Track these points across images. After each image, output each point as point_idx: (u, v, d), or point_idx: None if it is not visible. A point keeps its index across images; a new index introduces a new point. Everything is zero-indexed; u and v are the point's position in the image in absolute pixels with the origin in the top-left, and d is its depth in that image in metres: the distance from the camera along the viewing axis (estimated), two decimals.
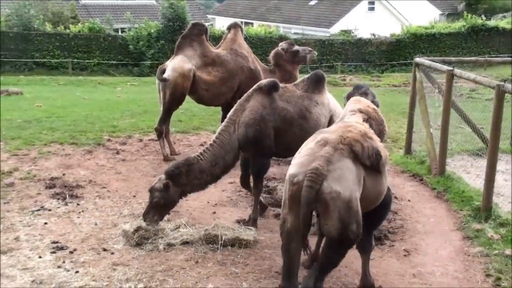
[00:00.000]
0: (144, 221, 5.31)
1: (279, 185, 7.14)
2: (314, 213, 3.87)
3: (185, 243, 5.24)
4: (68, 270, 4.69)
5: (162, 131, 8.13)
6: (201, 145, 8.54)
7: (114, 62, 25.58)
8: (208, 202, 6.46)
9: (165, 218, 5.64)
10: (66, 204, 6.22)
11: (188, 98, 8.31)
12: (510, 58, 14.24)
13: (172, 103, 8.05)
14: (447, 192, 7.01)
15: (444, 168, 7.57)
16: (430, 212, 6.56)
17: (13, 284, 4.44)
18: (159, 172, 6.07)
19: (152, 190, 5.33)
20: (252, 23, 36.27)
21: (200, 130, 10.09)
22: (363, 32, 30.57)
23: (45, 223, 5.66)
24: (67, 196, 6.41)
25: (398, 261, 5.24)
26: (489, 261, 5.16)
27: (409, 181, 7.76)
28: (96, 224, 5.71)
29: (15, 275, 4.58)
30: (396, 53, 29.30)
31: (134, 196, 6.55)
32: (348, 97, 5.01)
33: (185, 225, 5.57)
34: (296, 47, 8.64)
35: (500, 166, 6.52)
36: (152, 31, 25.78)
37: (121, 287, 4.42)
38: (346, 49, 28.80)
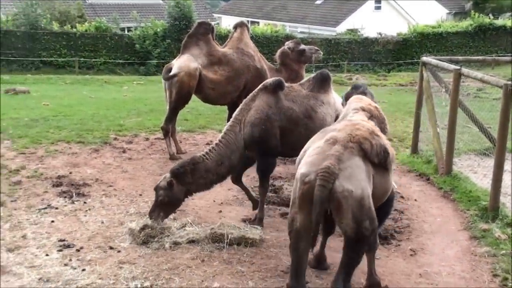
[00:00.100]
0: (150, 218, 5.34)
1: (285, 184, 7.14)
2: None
3: (191, 241, 5.25)
4: (75, 268, 4.71)
5: (168, 130, 8.15)
6: (207, 144, 8.55)
7: (120, 61, 25.65)
8: (214, 201, 6.47)
9: (171, 216, 5.66)
10: (72, 202, 6.24)
11: (194, 97, 8.32)
12: None
13: (178, 102, 8.06)
14: (454, 192, 6.98)
15: (451, 168, 7.54)
16: (437, 212, 6.53)
17: (20, 281, 4.46)
18: (165, 171, 6.08)
19: (157, 189, 5.36)
20: (258, 22, 36.26)
21: (206, 129, 10.10)
22: (370, 31, 30.49)
23: (52, 221, 5.69)
24: (74, 194, 6.44)
25: (405, 260, 5.23)
26: (496, 261, 5.14)
27: (416, 180, 7.74)
28: (102, 222, 5.73)
29: (22, 272, 4.60)
30: (402, 52, 29.20)
31: (140, 195, 6.56)
32: (347, 96, 5.01)
33: (191, 223, 5.58)
34: (303, 46, 8.63)
35: (508, 165, 6.47)
36: (158, 30, 25.82)
37: (127, 285, 4.44)
38: (352, 48, 28.74)
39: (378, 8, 35.77)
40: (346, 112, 4.55)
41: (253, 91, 5.97)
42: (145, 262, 4.85)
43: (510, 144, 6.91)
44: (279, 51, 8.73)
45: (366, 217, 3.74)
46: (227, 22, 36.29)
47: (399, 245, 5.56)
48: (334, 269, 4.89)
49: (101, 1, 33.97)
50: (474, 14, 31.19)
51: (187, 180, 5.38)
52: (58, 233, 5.40)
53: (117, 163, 7.80)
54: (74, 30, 25.73)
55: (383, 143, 4.09)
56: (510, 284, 4.74)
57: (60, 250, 5.04)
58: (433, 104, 8.21)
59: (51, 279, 4.51)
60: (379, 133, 4.22)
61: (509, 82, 6.02)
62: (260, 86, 5.98)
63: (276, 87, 5.87)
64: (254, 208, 6.09)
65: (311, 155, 3.93)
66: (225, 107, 8.84)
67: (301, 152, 4.41)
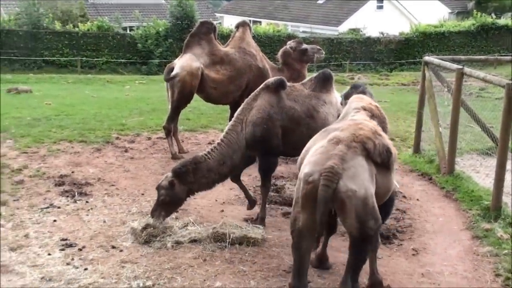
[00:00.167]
0: (152, 217, 5.35)
1: (287, 184, 7.14)
2: None
3: (193, 241, 5.26)
4: (77, 267, 4.72)
5: (170, 129, 8.15)
6: (209, 143, 8.55)
7: (122, 60, 25.66)
8: (216, 200, 6.47)
9: (173, 216, 5.66)
10: (75, 201, 6.25)
11: (196, 96, 8.32)
12: None
13: (180, 101, 8.06)
14: (456, 192, 6.97)
15: (453, 167, 7.54)
16: (439, 212, 6.53)
17: (22, 280, 4.47)
18: (167, 170, 6.09)
19: (159, 188, 5.38)
20: (260, 22, 36.24)
21: (208, 128, 10.10)
22: (372, 30, 30.44)
23: (54, 221, 5.70)
24: (76, 193, 6.45)
25: (407, 260, 5.22)
26: (498, 260, 5.14)
27: (418, 180, 7.73)
28: (104, 221, 5.74)
29: (24, 271, 4.61)
30: (405, 51, 29.16)
31: (143, 194, 6.57)
32: (346, 96, 5.01)
33: (193, 223, 5.58)
34: (305, 46, 8.62)
35: (510, 165, 6.46)
36: (160, 29, 25.83)
37: (129, 285, 4.44)
38: (354, 48, 28.71)
39: (380, 7, 35.73)
40: (347, 112, 4.55)
41: (255, 91, 5.97)
42: (147, 261, 4.85)
43: None
44: (281, 50, 8.72)
45: (370, 216, 3.75)
46: (229, 22, 36.29)
47: (401, 244, 5.56)
48: (336, 269, 4.91)
49: (103, 1, 34.00)
50: (477, 14, 31.12)
51: (189, 179, 5.39)
52: (60, 232, 5.41)
53: (119, 162, 7.80)
54: (76, 29, 25.74)
55: (385, 143, 4.10)
56: None
57: (62, 249, 5.05)
58: (436, 103, 8.20)
59: (53, 278, 4.52)
60: (382, 132, 4.22)
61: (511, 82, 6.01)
62: (262, 85, 5.98)
63: (278, 87, 5.87)
64: (248, 207, 6.09)
65: (315, 154, 3.93)
66: (227, 107, 8.84)
67: (303, 152, 4.41)
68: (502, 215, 5.96)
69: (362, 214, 3.72)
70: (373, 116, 4.45)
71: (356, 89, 5.10)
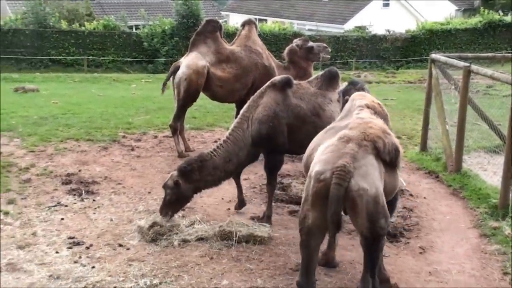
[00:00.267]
0: (160, 215, 5.38)
1: (294, 182, 7.13)
2: None
3: (200, 239, 5.26)
4: (85, 265, 4.74)
5: (176, 128, 8.16)
6: (215, 141, 8.54)
7: (128, 59, 25.71)
8: (223, 199, 6.48)
9: (180, 214, 5.68)
10: (82, 200, 6.28)
11: (202, 95, 8.32)
12: None
13: (186, 100, 8.07)
14: (464, 190, 6.95)
15: (460, 165, 7.50)
16: (446, 210, 6.50)
17: (30, 278, 4.50)
18: (173, 169, 6.09)
19: (165, 187, 5.41)
20: (266, 20, 36.20)
21: (214, 126, 10.11)
22: (378, 28, 30.31)
23: (62, 219, 5.72)
24: (83, 192, 6.47)
25: (414, 258, 5.21)
26: (506, 259, 5.11)
27: (425, 178, 7.70)
28: (111, 220, 5.76)
29: (32, 269, 4.64)
30: (411, 49, 29.02)
31: (149, 193, 6.59)
32: (344, 93, 4.99)
33: (199, 221, 5.59)
34: (311, 44, 8.61)
35: None
36: (166, 28, 25.85)
37: (136, 283, 4.45)
38: (360, 46, 28.60)
39: (387, 5, 35.60)
40: (350, 109, 4.52)
41: (261, 88, 5.97)
42: (154, 260, 4.87)
43: None
44: (287, 48, 8.71)
45: (381, 215, 3.75)
46: (235, 20, 36.27)
47: (408, 243, 5.54)
48: (342, 267, 4.90)
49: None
50: (483, 11, 30.90)
51: (194, 177, 5.40)
52: (68, 231, 5.44)
53: (126, 161, 7.82)
54: (83, 28, 25.81)
55: (394, 142, 4.11)
56: None
57: (70, 248, 5.07)
58: (442, 101, 8.16)
59: (61, 276, 4.54)
60: (389, 131, 4.21)
61: None
62: (268, 83, 5.97)
63: (285, 85, 5.86)
64: (236, 207, 6.09)
65: (325, 153, 3.92)
66: (233, 105, 8.84)
67: (308, 149, 4.40)
68: (510, 213, 5.94)
69: (373, 213, 3.72)
70: (375, 113, 4.44)
71: (354, 85, 5.09)
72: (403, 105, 13.75)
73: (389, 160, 4.00)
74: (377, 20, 31.88)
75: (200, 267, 4.76)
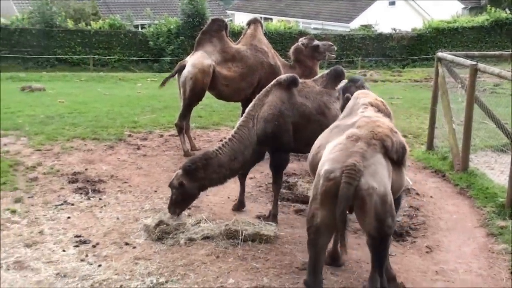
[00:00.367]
0: (169, 212, 5.43)
1: (300, 181, 7.12)
2: None
3: (206, 238, 5.27)
4: (91, 264, 4.76)
5: (182, 127, 8.17)
6: (221, 140, 8.55)
7: (134, 58, 25.76)
8: (229, 198, 6.48)
9: (186, 213, 5.69)
10: (88, 198, 6.30)
11: (208, 93, 8.33)
12: None
13: (192, 98, 8.07)
14: (470, 189, 6.91)
15: (467, 164, 7.47)
16: (453, 209, 6.47)
17: (37, 276, 4.52)
18: (179, 167, 6.11)
19: (170, 186, 5.45)
20: (271, 19, 36.17)
21: (220, 125, 10.11)
22: (384, 26, 30.21)
23: (68, 217, 5.75)
24: (90, 190, 6.49)
25: (420, 257, 5.19)
26: None
27: (431, 177, 7.67)
28: (118, 218, 5.77)
29: (39, 267, 4.66)
30: (417, 48, 28.90)
31: (155, 191, 6.60)
32: (344, 90, 4.97)
33: (205, 220, 5.60)
34: (316, 42, 8.60)
35: None
36: (172, 27, 25.87)
37: (143, 281, 4.47)
38: (366, 44, 28.51)
39: (393, 3, 35.46)
40: (354, 107, 4.51)
41: (267, 87, 5.97)
42: (160, 258, 4.88)
43: None
44: (293, 47, 8.70)
45: (388, 214, 3.75)
46: (240, 19, 36.23)
47: (414, 242, 5.52)
48: (348, 266, 4.89)
49: None
50: (490, 9, 30.72)
51: (199, 175, 5.41)
52: (75, 229, 5.46)
53: (132, 159, 7.84)
54: (89, 27, 25.88)
55: (401, 140, 4.11)
56: None
57: (77, 246, 5.09)
58: (449, 100, 8.13)
59: (68, 274, 4.56)
60: (396, 129, 4.21)
61: None
62: (273, 82, 5.97)
63: (290, 83, 5.85)
64: (234, 206, 6.10)
65: (334, 151, 3.91)
66: (239, 104, 8.84)
67: (313, 148, 4.39)
68: None
69: (381, 212, 3.71)
70: (379, 111, 4.44)
71: (354, 82, 5.08)
72: (409, 104, 13.70)
73: (396, 159, 4.00)
74: (383, 19, 31.78)
75: (206, 266, 4.77)
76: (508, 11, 31.42)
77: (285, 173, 6.69)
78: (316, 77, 6.49)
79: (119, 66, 25.36)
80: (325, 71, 6.38)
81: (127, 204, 6.19)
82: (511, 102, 9.21)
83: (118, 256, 4.92)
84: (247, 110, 5.88)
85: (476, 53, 9.83)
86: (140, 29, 28.10)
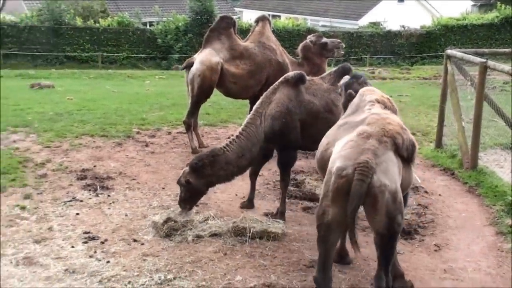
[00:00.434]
0: (180, 207, 5.49)
1: (307, 178, 7.11)
2: None
3: (214, 235, 5.28)
4: (100, 260, 4.78)
5: (190, 124, 8.18)
6: (228, 138, 8.56)
7: (142, 55, 25.85)
8: (236, 195, 6.48)
9: (194, 210, 5.70)
10: (97, 195, 6.33)
11: (216, 91, 8.33)
12: None
13: (200, 96, 8.08)
14: (480, 187, 6.87)
15: (476, 162, 7.42)
16: (462, 207, 6.44)
17: (46, 272, 4.55)
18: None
19: (178, 183, 5.49)
20: (279, 16, 36.08)
21: (228, 123, 10.12)
22: (393, 24, 30.07)
23: (77, 214, 5.78)
24: (98, 187, 6.52)
25: (429, 256, 5.17)
26: None
27: (440, 175, 7.63)
28: (126, 215, 5.80)
29: (48, 263, 4.69)
30: (426, 45, 28.76)
31: (163, 188, 6.62)
32: (347, 86, 4.95)
33: (213, 217, 5.61)
34: (325, 40, 8.56)
35: None
36: (180, 24, 25.92)
37: (151, 277, 4.48)
38: (375, 42, 28.43)
39: (401, 0, 35.26)
40: (360, 104, 4.49)
41: (274, 84, 5.96)
42: (168, 255, 4.89)
43: None
44: (301, 44, 8.67)
45: (398, 211, 3.75)
46: (248, 16, 36.22)
47: (423, 240, 5.50)
48: (356, 264, 4.88)
49: None
50: (500, 6, 30.49)
51: (206, 172, 5.43)
52: (83, 226, 5.49)
53: (140, 156, 7.87)
54: (97, 25, 26.02)
55: (411, 138, 4.11)
56: None
57: (85, 242, 5.12)
58: (458, 97, 8.07)
59: (76, 270, 4.58)
60: (405, 126, 4.20)
61: None
62: (281, 79, 5.96)
63: (297, 81, 5.84)
64: (243, 204, 6.10)
65: (345, 148, 3.90)
66: (247, 101, 8.83)
67: (322, 145, 4.37)
68: None
69: (391, 209, 3.71)
70: (386, 108, 4.42)
71: (357, 79, 5.06)
72: (418, 102, 13.64)
73: (406, 156, 4.00)
74: (391, 16, 31.59)
75: (213, 263, 4.78)
76: None
77: (293, 171, 6.68)
78: (324, 74, 6.48)
79: (128, 64, 25.47)
80: (333, 69, 6.36)
81: (135, 201, 6.22)
82: None
83: (127, 252, 4.94)
84: (254, 107, 5.88)
85: (485, 50, 9.76)
86: (148, 27, 28.20)
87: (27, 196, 6.14)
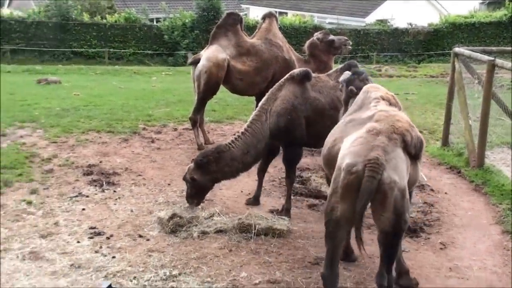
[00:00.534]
0: (187, 203, 5.56)
1: (313, 176, 7.11)
2: None
3: (219, 231, 5.29)
4: (105, 255, 4.80)
5: (196, 120, 8.19)
6: (234, 134, 8.57)
7: (149, 52, 25.87)
8: (242, 192, 6.49)
9: (199, 206, 5.71)
10: (103, 191, 6.35)
11: (222, 87, 8.33)
12: None
13: (206, 92, 8.09)
14: (486, 185, 6.84)
15: (483, 161, 7.39)
16: (468, 205, 6.41)
17: (52, 267, 4.57)
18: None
19: (184, 180, 5.54)
20: (286, 13, 36.01)
21: (234, 119, 10.12)
22: (400, 21, 29.90)
23: (83, 209, 5.80)
24: (104, 183, 6.55)
25: (434, 254, 5.16)
26: None
27: (446, 173, 7.61)
28: (132, 211, 5.82)
29: (54, 258, 4.72)
30: (433, 43, 28.60)
31: (169, 184, 6.63)
32: (348, 83, 4.93)
33: (219, 213, 5.62)
34: (332, 37, 8.55)
35: None
36: (186, 21, 25.91)
37: (156, 273, 4.50)
38: (382, 39, 28.29)
39: None
40: (365, 101, 4.48)
41: (280, 81, 5.97)
42: (174, 251, 4.91)
43: None
44: (308, 42, 8.66)
45: (405, 208, 3.76)
46: (255, 13, 36.15)
47: (428, 238, 5.49)
48: (361, 261, 4.87)
49: None
50: (509, 4, 30.24)
51: (211, 169, 5.46)
52: (89, 221, 5.51)
53: (146, 152, 7.89)
54: (104, 21, 26.05)
55: (419, 135, 4.11)
56: None
57: (91, 238, 5.14)
58: (465, 95, 8.04)
59: (82, 265, 4.61)
60: (412, 123, 4.19)
61: None
62: (286, 76, 5.96)
63: (303, 78, 5.84)
64: (249, 201, 6.09)
65: (354, 145, 3.90)
66: (253, 98, 8.83)
67: (328, 142, 4.37)
68: None
69: (399, 206, 3.71)
70: (391, 105, 4.41)
71: (358, 75, 5.05)
72: (425, 99, 13.58)
73: (414, 153, 4.01)
74: (399, 13, 31.40)
75: (219, 259, 4.79)
76: None
77: (299, 168, 6.68)
78: (330, 71, 6.46)
79: (134, 60, 25.50)
80: (339, 66, 6.34)
81: (141, 196, 6.24)
82: None
83: (132, 248, 4.96)
84: (260, 104, 5.88)
85: (493, 48, 9.69)
86: (155, 23, 28.18)
87: (33, 191, 6.17)
